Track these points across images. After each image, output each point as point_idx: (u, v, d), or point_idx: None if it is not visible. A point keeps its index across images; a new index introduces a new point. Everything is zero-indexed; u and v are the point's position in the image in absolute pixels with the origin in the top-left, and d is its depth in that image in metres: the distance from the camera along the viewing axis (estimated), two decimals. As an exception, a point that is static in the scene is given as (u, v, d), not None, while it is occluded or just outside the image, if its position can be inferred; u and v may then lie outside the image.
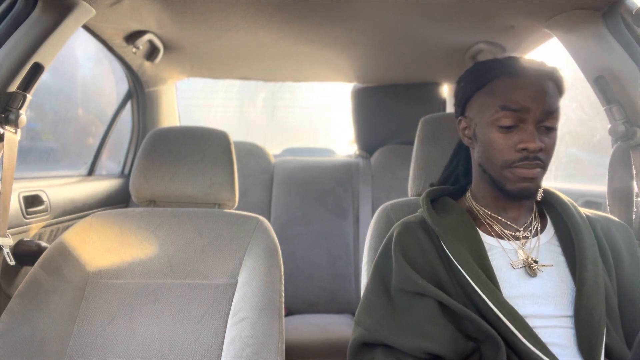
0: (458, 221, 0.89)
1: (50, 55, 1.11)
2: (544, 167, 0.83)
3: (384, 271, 0.87)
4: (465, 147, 1.00)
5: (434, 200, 0.96)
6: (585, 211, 0.93)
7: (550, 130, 0.84)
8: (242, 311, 1.02)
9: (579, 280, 0.80)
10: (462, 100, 0.93)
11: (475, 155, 0.91)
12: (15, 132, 1.07)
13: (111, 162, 2.10)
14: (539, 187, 0.86)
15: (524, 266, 0.83)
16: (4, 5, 1.05)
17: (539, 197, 0.89)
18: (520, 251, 0.85)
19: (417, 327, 0.78)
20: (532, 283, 0.82)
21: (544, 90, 0.83)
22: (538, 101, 0.81)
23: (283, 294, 1.08)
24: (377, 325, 0.81)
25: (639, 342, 0.58)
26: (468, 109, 0.92)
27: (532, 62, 0.87)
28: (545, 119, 0.82)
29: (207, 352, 1.00)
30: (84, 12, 1.18)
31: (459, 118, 0.94)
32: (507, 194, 0.85)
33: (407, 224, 0.92)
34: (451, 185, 1.03)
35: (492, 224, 0.90)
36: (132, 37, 1.56)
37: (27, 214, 1.32)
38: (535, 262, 0.83)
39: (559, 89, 0.87)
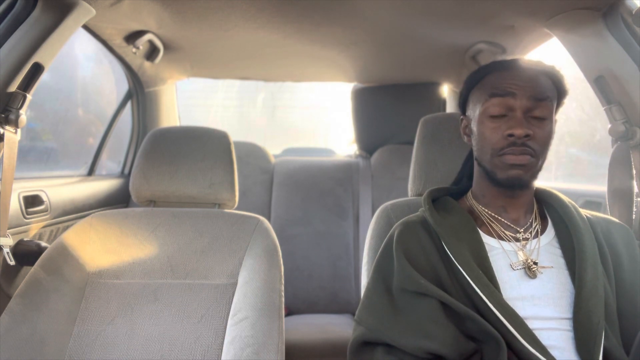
0: (459, 221, 0.89)
1: (50, 55, 1.11)
2: (535, 156, 0.83)
3: (385, 270, 0.87)
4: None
5: (435, 200, 0.97)
6: (585, 213, 0.93)
7: (542, 120, 0.84)
8: (242, 311, 1.02)
9: (579, 283, 0.80)
10: (462, 100, 0.96)
11: (473, 150, 0.93)
12: (15, 132, 1.07)
13: (111, 162, 2.10)
14: (531, 177, 0.86)
15: (524, 267, 0.83)
16: (4, 5, 1.05)
17: (535, 189, 0.89)
18: (520, 252, 0.85)
19: (419, 326, 0.78)
20: (531, 284, 0.82)
21: (532, 80, 0.84)
22: (525, 88, 0.83)
23: (283, 294, 1.08)
24: (378, 324, 0.81)
25: (639, 343, 0.58)
26: (467, 108, 0.95)
27: (528, 60, 0.89)
28: (534, 108, 0.84)
29: (207, 352, 1.00)
30: (84, 12, 1.18)
31: (462, 118, 0.98)
32: (499, 182, 0.87)
33: (407, 224, 0.92)
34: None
35: (492, 225, 0.90)
36: (132, 37, 1.56)
37: (27, 214, 1.32)
38: (535, 263, 0.83)
39: (557, 86, 0.88)
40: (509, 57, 0.94)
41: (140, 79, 2.02)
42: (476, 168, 0.94)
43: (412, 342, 0.77)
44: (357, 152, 2.39)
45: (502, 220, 0.90)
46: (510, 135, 0.82)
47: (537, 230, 0.89)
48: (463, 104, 0.97)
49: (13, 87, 1.05)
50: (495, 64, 0.90)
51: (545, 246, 0.87)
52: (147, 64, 1.86)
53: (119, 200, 1.96)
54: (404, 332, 0.78)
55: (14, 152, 1.08)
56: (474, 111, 0.91)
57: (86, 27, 1.47)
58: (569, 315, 0.79)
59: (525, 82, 0.84)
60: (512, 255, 0.86)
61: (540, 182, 0.93)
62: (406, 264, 0.83)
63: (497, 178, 0.86)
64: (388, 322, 0.81)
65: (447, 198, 0.97)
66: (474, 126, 0.91)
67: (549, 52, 1.55)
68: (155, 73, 2.02)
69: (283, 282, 1.10)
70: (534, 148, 0.83)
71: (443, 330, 0.76)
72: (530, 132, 0.82)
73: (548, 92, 0.85)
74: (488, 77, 0.89)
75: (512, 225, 0.89)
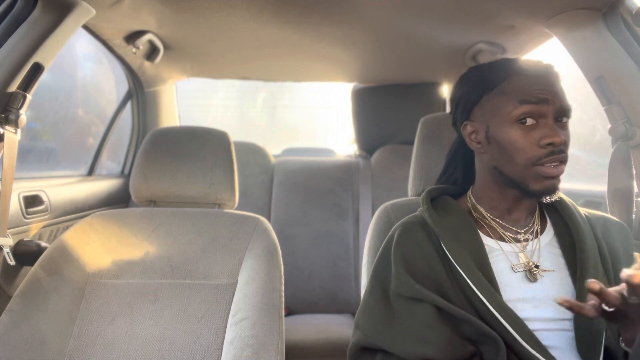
0: (459, 222, 0.88)
1: (50, 55, 1.11)
2: (566, 160, 0.82)
3: (383, 274, 0.87)
4: (462, 151, 0.99)
5: (434, 199, 0.96)
6: (584, 211, 0.93)
7: (565, 125, 0.84)
8: (242, 311, 1.02)
9: (580, 284, 0.80)
10: (467, 105, 0.89)
11: (487, 158, 0.88)
12: (15, 132, 1.07)
13: (111, 162, 2.10)
14: (559, 183, 0.84)
15: (525, 270, 0.83)
16: (4, 5, 1.05)
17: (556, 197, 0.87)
18: (521, 255, 0.85)
19: (414, 332, 0.77)
20: (532, 286, 0.82)
21: (557, 85, 0.83)
22: (555, 93, 0.81)
23: (283, 294, 1.08)
24: (374, 330, 0.81)
25: (639, 343, 0.58)
26: (475, 113, 0.88)
27: (535, 61, 0.86)
28: (562, 114, 0.82)
29: (207, 352, 1.00)
30: (84, 12, 1.18)
31: (465, 123, 0.90)
32: (531, 193, 0.83)
33: (406, 225, 0.91)
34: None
35: (493, 226, 0.89)
36: (132, 37, 1.56)
37: (27, 214, 1.32)
38: (537, 266, 0.83)
39: None
40: (511, 57, 0.91)
41: (140, 79, 2.02)
42: (491, 176, 0.89)
43: (408, 348, 0.76)
44: (357, 152, 2.39)
45: (504, 222, 0.89)
46: (549, 143, 0.79)
47: (537, 230, 0.89)
48: (470, 108, 0.90)
49: (13, 87, 1.05)
50: (509, 68, 0.84)
51: (545, 246, 0.87)
52: (147, 64, 1.86)
53: (119, 200, 1.96)
54: (399, 338, 0.78)
55: (14, 152, 1.08)
56: (494, 118, 0.85)
57: (86, 27, 1.47)
58: (570, 316, 0.79)
59: (553, 87, 0.81)
60: (512, 257, 0.85)
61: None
62: (402, 269, 0.83)
63: (529, 189, 0.83)
64: (383, 328, 0.80)
65: (446, 197, 0.95)
66: (495, 133, 0.85)
67: (549, 52, 1.55)
68: (155, 73, 2.02)
69: (283, 282, 1.10)
70: (566, 153, 0.82)
71: (438, 335, 0.76)
72: (566, 138, 0.81)
73: (567, 98, 0.84)
74: (508, 83, 0.83)
75: (512, 227, 0.88)
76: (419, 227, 0.89)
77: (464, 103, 0.90)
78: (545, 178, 0.81)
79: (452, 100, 0.95)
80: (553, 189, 0.82)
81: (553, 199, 0.85)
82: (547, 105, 0.80)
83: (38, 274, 1.03)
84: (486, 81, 0.86)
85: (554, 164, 0.80)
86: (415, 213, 0.95)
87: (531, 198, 0.87)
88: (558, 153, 0.80)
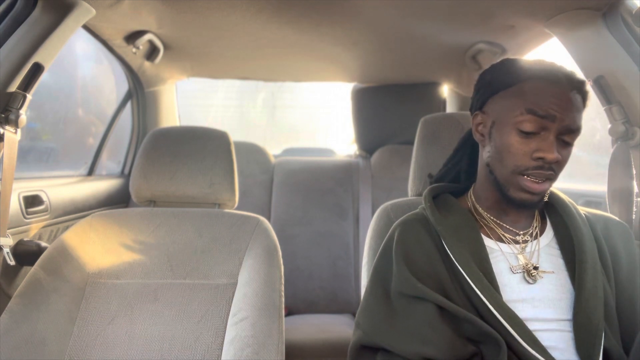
0: (460, 222, 0.88)
1: (50, 55, 1.11)
2: (553, 179, 0.82)
3: (384, 273, 0.87)
4: (470, 143, 0.98)
5: (436, 197, 0.95)
6: (584, 210, 0.93)
7: (568, 145, 0.82)
8: (242, 311, 1.02)
9: (578, 285, 0.80)
10: (485, 95, 0.88)
11: (485, 154, 0.88)
12: (15, 132, 1.07)
13: (111, 162, 2.10)
14: (542, 199, 0.84)
15: (524, 271, 0.83)
16: (4, 5, 1.05)
17: (545, 198, 0.87)
18: (520, 256, 0.85)
19: (416, 331, 0.77)
20: (531, 287, 0.82)
21: (572, 103, 0.80)
22: (565, 112, 0.79)
23: (283, 294, 1.08)
24: (375, 329, 0.81)
25: (639, 344, 0.58)
26: (488, 105, 0.88)
27: (564, 71, 0.83)
28: (567, 133, 0.80)
29: (207, 352, 1.00)
30: (84, 12, 1.18)
31: (476, 112, 0.90)
32: (509, 199, 0.84)
33: (407, 223, 0.91)
34: (450, 181, 1.02)
35: (492, 227, 0.89)
36: (132, 37, 1.56)
37: (27, 214, 1.32)
38: (535, 268, 0.83)
39: (584, 102, 0.84)
40: (539, 60, 0.85)
41: (140, 79, 2.02)
42: (485, 172, 0.89)
43: (409, 347, 0.76)
44: (357, 152, 2.39)
45: (502, 223, 0.89)
46: (540, 158, 0.79)
47: (537, 232, 0.89)
48: (485, 99, 0.88)
49: (13, 87, 1.05)
50: (532, 70, 0.82)
51: (544, 248, 0.87)
52: (147, 64, 1.86)
53: (119, 200, 1.96)
54: (400, 337, 0.78)
55: (14, 152, 1.08)
56: (500, 116, 0.84)
57: (86, 27, 1.47)
58: (569, 316, 0.79)
59: (567, 105, 0.79)
60: (511, 258, 0.85)
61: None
62: (404, 268, 0.83)
63: (508, 194, 0.83)
64: (385, 327, 0.80)
65: (448, 196, 0.95)
66: (496, 131, 0.85)
67: (549, 52, 1.55)
68: (155, 73, 2.02)
69: (283, 282, 1.10)
70: (556, 171, 0.81)
71: (439, 335, 0.76)
72: (560, 158, 0.79)
73: (581, 120, 0.81)
74: (525, 84, 0.81)
75: (511, 228, 0.88)
76: (420, 225, 0.89)
77: (482, 92, 0.89)
78: (525, 191, 0.81)
79: (475, 85, 0.93)
80: (530, 202, 0.82)
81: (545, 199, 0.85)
82: (552, 122, 0.79)
83: (38, 274, 1.03)
84: (507, 77, 0.85)
85: (538, 179, 0.80)
86: (416, 211, 0.95)
87: (510, 204, 0.86)
88: (546, 169, 0.79)
